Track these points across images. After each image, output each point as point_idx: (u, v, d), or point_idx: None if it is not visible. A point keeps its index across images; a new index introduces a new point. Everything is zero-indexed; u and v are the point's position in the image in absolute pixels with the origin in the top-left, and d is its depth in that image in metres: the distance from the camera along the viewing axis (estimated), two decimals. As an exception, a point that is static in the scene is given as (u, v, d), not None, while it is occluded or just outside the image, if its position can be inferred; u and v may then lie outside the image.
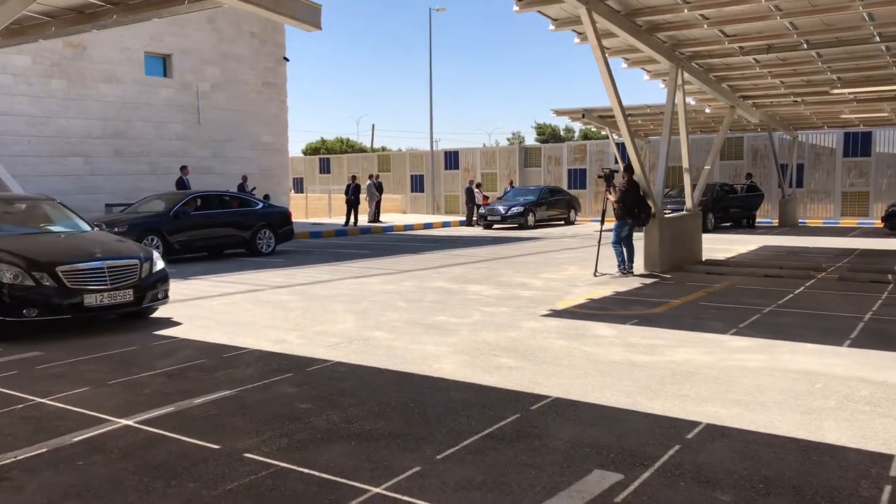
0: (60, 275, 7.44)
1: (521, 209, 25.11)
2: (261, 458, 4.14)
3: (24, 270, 7.34)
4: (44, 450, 4.32)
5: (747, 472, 3.90)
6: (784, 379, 5.72)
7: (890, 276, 11.39)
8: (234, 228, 16.04)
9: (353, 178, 26.99)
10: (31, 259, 7.50)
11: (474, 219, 27.05)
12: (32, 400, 5.30)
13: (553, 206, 27.06)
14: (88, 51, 21.31)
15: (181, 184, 19.41)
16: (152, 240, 14.02)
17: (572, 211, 27.97)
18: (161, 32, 22.80)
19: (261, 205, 17.26)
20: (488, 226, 25.63)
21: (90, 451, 4.29)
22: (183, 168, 20.08)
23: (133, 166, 22.20)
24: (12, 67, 19.30)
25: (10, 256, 7.49)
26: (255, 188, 22.76)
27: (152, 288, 8.12)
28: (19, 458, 4.20)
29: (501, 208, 25.39)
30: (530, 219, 25.20)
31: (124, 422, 4.81)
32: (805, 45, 12.96)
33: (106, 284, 7.68)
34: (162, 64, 23.74)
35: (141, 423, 4.78)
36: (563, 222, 27.37)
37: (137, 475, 3.93)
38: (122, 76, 22.29)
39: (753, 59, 14.01)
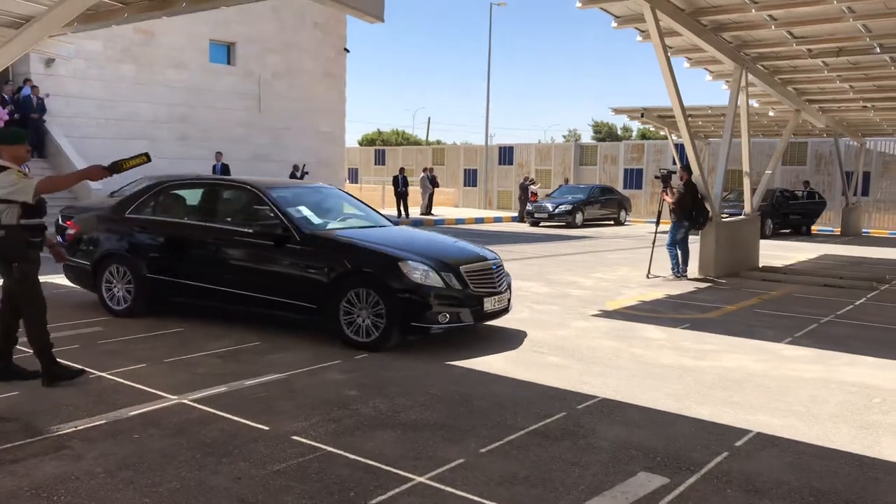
0: (465, 276, 6.62)
1: (569, 207, 24.72)
2: (308, 442, 4.22)
3: (434, 269, 6.46)
4: (102, 422, 4.49)
5: (798, 484, 3.82)
6: (840, 391, 5.57)
7: (958, 292, 10.95)
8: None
9: (402, 170, 27.11)
10: (437, 257, 6.66)
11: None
12: (93, 373, 5.50)
13: (603, 206, 26.62)
14: (157, 37, 21.88)
15: (214, 169, 19.78)
16: None
17: (623, 211, 27.49)
18: (227, 20, 23.25)
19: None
20: (535, 223, 25.16)
21: (146, 426, 4.44)
22: (217, 154, 20.47)
23: (195, 151, 22.72)
24: (85, 52, 19.93)
25: (408, 253, 6.61)
26: (306, 174, 22.92)
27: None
28: (79, 428, 4.37)
29: (549, 206, 25.05)
30: (578, 217, 24.81)
31: (178, 399, 4.95)
32: (878, 49, 12.50)
33: (494, 287, 6.85)
34: (226, 51, 24.24)
35: (194, 401, 4.92)
36: (612, 222, 26.92)
37: (190, 451, 4.05)
38: (188, 62, 22.84)
39: (822, 61, 13.58)
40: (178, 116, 22.55)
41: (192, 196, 8.00)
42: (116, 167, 5.35)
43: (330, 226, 7.39)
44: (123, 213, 7.89)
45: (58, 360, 5.33)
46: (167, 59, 22.31)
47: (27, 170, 5.52)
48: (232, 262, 7.17)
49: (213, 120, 23.33)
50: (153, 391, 5.11)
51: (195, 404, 4.86)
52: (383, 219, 8.15)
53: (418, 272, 6.37)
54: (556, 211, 24.72)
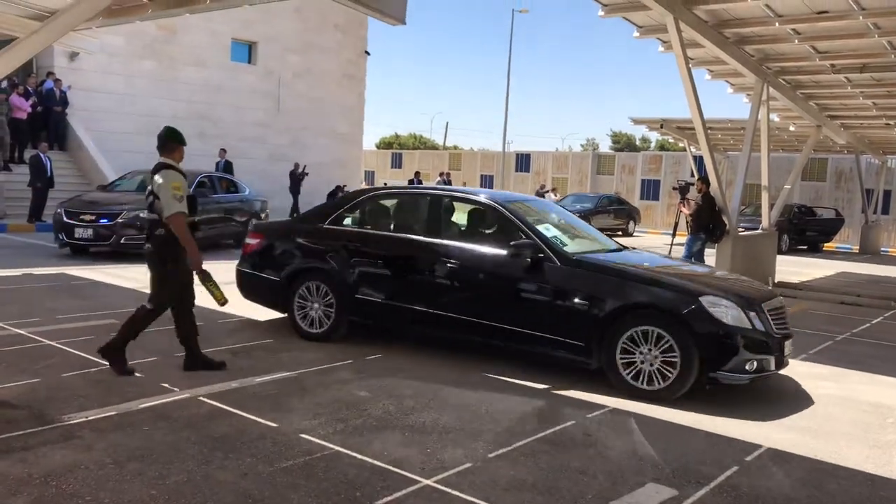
0: (768, 314, 5.64)
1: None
2: (316, 440, 4.22)
3: (738, 306, 5.46)
4: (113, 413, 4.51)
5: (807, 501, 3.77)
6: (854, 409, 5.50)
7: (977, 314, 10.80)
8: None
9: (417, 174, 27.12)
10: (736, 292, 5.76)
11: None
12: (105, 365, 5.52)
13: (611, 216, 26.13)
14: (179, 35, 22.06)
15: (217, 167, 19.78)
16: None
17: (632, 222, 27.11)
18: (249, 19, 23.41)
19: (247, 191, 15.53)
20: None
21: (155, 418, 4.45)
22: (221, 151, 20.45)
23: (213, 148, 22.80)
24: (108, 47, 20.11)
25: (705, 287, 5.67)
26: (306, 174, 22.71)
27: None
28: (90, 418, 4.39)
29: None
30: None
31: (189, 393, 4.97)
32: (902, 66, 12.39)
33: (788, 329, 5.91)
34: (247, 50, 24.39)
35: (204, 395, 4.94)
36: (620, 233, 26.36)
37: (198, 445, 4.06)
38: (209, 60, 22.99)
39: (845, 77, 13.47)
40: (196, 113, 22.69)
41: (407, 208, 7.28)
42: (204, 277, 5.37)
43: (578, 247, 6.36)
44: (321, 223, 6.98)
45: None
46: (188, 57, 22.48)
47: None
48: (468, 286, 6.19)
49: (232, 118, 23.47)
50: (164, 385, 5.13)
51: (205, 399, 4.87)
52: (609, 239, 7.25)
53: (722, 309, 5.37)
54: None
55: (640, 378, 5.40)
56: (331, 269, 6.67)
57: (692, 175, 24.44)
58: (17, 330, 6.50)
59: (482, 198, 6.68)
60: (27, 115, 17.95)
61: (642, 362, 5.40)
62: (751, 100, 13.49)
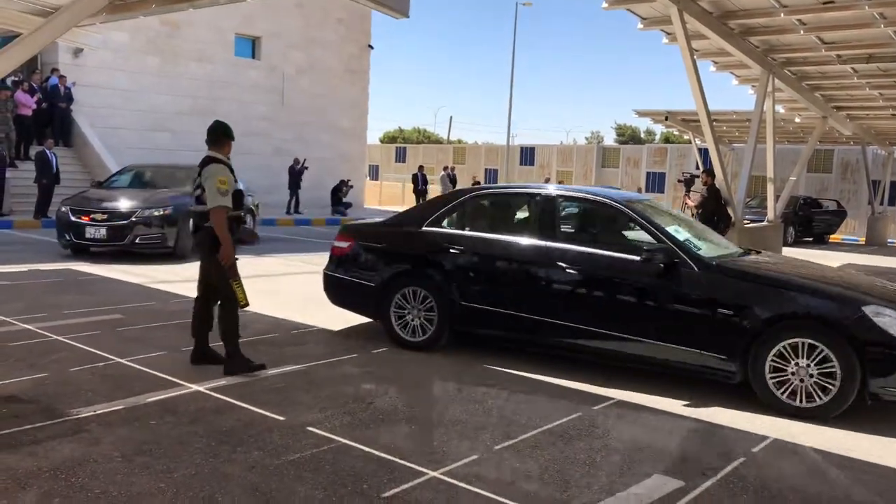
0: None
1: None
2: (323, 433, 4.23)
3: None
4: (120, 407, 4.53)
5: (814, 491, 3.77)
6: (861, 398, 5.48)
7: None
8: None
9: (421, 168, 27.08)
10: (890, 298, 5.32)
11: None
12: (112, 359, 5.55)
13: None
14: (182, 30, 22.05)
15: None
16: None
17: None
18: (253, 15, 23.39)
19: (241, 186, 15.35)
20: None
21: (162, 412, 4.47)
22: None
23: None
24: (112, 43, 20.11)
25: (865, 294, 5.26)
26: (305, 168, 22.52)
27: None
28: (98, 412, 4.41)
29: None
30: None
31: (196, 387, 4.99)
32: (909, 57, 12.34)
33: None
34: (251, 46, 24.38)
35: (211, 389, 4.96)
36: None
37: (205, 439, 4.08)
38: (213, 56, 22.99)
39: (851, 68, 13.42)
40: (201, 109, 22.66)
41: (516, 208, 6.86)
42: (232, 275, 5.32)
43: (711, 251, 5.87)
44: (420, 224, 6.55)
45: (241, 353, 5.42)
46: (192, 52, 22.47)
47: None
48: (591, 294, 5.78)
49: (236, 113, 23.42)
50: (171, 379, 5.15)
51: (212, 393, 4.89)
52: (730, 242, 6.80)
53: (887, 319, 4.94)
54: None
55: (796, 395, 4.97)
56: (432, 275, 6.26)
57: (697, 167, 24.39)
58: (24, 325, 6.53)
59: (603, 198, 6.21)
60: (32, 111, 17.98)
61: (796, 377, 4.96)
62: (756, 91, 13.46)
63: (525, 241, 6.11)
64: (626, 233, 6.26)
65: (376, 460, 3.88)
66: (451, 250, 6.27)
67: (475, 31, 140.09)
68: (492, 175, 36.43)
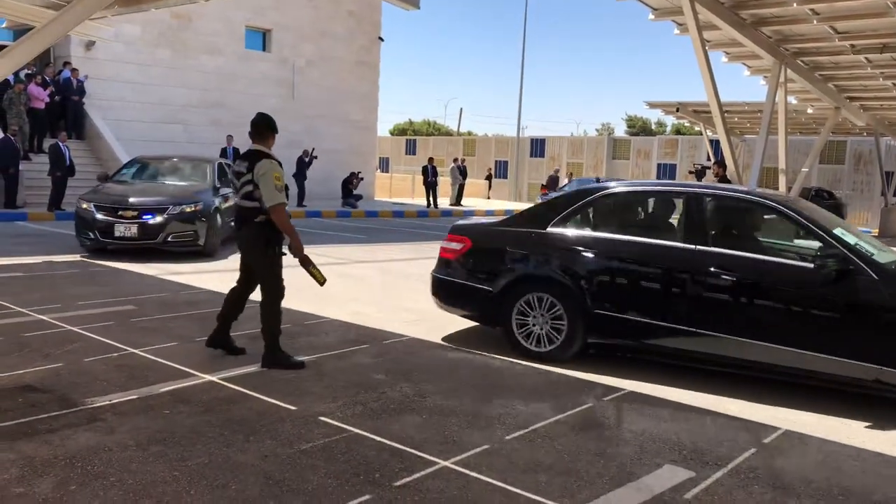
0: None
1: None
2: (335, 423, 4.26)
3: None
4: (134, 396, 4.58)
5: (826, 482, 3.77)
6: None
7: None
8: None
9: (431, 160, 27.06)
10: None
11: None
12: (126, 350, 5.60)
13: None
14: (193, 22, 22.11)
15: (224, 153, 19.81)
16: None
17: None
18: (263, 7, 23.43)
19: None
20: None
21: (176, 402, 4.51)
22: (228, 137, 20.45)
23: (226, 136, 22.97)
24: (123, 36, 20.19)
25: None
26: (314, 158, 22.34)
27: None
28: (113, 402, 4.46)
29: None
30: None
31: (209, 377, 5.03)
32: (924, 46, 12.23)
33: None
34: (262, 38, 24.42)
35: (224, 379, 5.00)
36: None
37: (218, 428, 4.11)
38: (223, 48, 23.04)
39: (865, 58, 13.31)
40: (211, 101, 22.77)
41: (656, 208, 6.46)
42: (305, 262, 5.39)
43: (885, 257, 5.32)
44: (544, 225, 6.07)
45: (281, 347, 5.45)
46: (203, 45, 22.53)
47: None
48: (750, 302, 5.27)
49: (247, 106, 23.44)
50: (184, 369, 5.19)
51: (225, 383, 4.93)
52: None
53: None
54: None
55: None
56: (561, 279, 5.82)
57: (708, 158, 24.29)
58: (39, 316, 6.59)
59: (758, 197, 5.75)
60: (45, 104, 18.09)
61: None
62: (768, 82, 13.37)
63: (671, 243, 5.64)
64: (778, 235, 5.88)
65: (388, 450, 3.91)
66: (583, 253, 5.82)
67: (486, 22, 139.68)
68: (501, 167, 36.39)
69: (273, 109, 26.80)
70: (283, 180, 5.31)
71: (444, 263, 6.49)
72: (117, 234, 10.39)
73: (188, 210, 10.71)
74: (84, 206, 10.68)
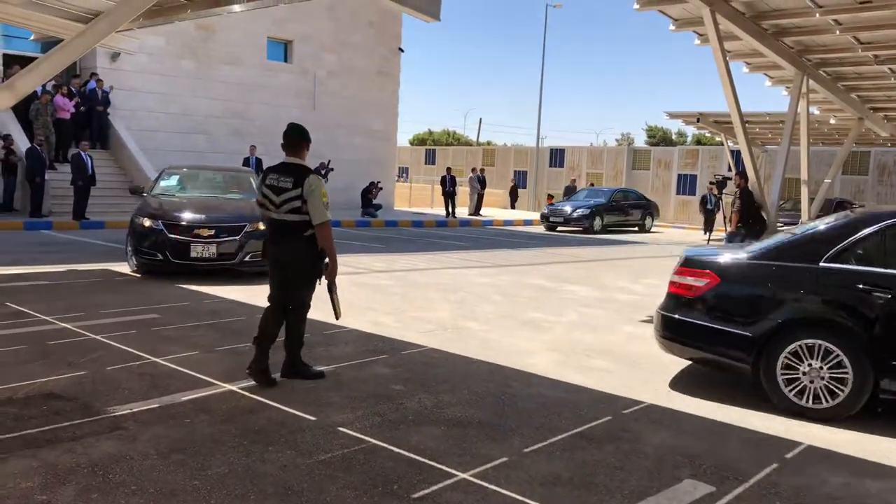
0: None
1: (586, 212, 23.31)
2: (354, 434, 4.27)
3: None
4: (156, 405, 4.62)
5: (850, 500, 3.72)
6: (897, 408, 5.39)
7: None
8: None
9: (449, 170, 27.11)
10: None
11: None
12: (148, 359, 5.66)
13: (625, 212, 25.15)
14: (217, 34, 22.37)
15: (247, 163, 19.96)
16: None
17: (649, 217, 25.90)
18: (284, 18, 23.65)
19: None
20: (551, 227, 23.55)
21: (197, 411, 4.55)
22: (251, 147, 20.61)
23: (249, 146, 23.18)
24: (148, 47, 20.47)
25: None
26: (331, 170, 22.10)
27: None
28: (134, 410, 4.50)
29: (567, 209, 23.67)
30: (597, 223, 23.37)
31: (229, 386, 5.07)
32: (948, 57, 12.08)
33: None
34: (283, 49, 24.65)
35: (244, 388, 5.03)
36: (636, 229, 25.39)
37: (238, 437, 4.14)
38: (246, 59, 23.28)
39: (889, 68, 13.16)
40: (233, 112, 22.99)
41: None
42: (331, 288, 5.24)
43: None
44: (816, 259, 5.23)
45: (302, 358, 5.45)
46: (226, 56, 22.78)
47: None
48: None
49: (268, 116, 23.72)
50: (205, 378, 5.23)
51: (244, 392, 4.96)
52: None
53: None
54: (573, 215, 23.34)
55: None
56: (844, 325, 5.05)
57: (729, 169, 24.12)
58: (63, 324, 6.68)
59: None
60: (70, 115, 18.37)
61: None
62: (790, 93, 13.26)
63: None
64: None
65: (406, 461, 3.91)
66: (876, 293, 4.98)
67: (505, 33, 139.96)
68: (521, 177, 36.35)
69: (294, 120, 26.73)
70: (328, 197, 5.22)
71: (678, 301, 5.71)
72: (194, 254, 9.41)
73: (262, 227, 9.20)
74: (147, 223, 9.57)
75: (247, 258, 9.64)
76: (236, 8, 10.18)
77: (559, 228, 23.59)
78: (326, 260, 5.22)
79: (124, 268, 10.33)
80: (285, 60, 24.62)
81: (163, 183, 11.29)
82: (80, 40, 7.48)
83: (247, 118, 23.26)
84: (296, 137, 5.33)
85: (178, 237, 9.42)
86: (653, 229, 26.10)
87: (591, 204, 24.07)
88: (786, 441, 4.54)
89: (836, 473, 4.08)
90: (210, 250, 9.47)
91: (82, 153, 16.13)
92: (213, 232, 9.54)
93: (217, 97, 22.64)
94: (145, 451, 3.88)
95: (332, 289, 5.22)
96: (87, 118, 19.20)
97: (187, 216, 9.71)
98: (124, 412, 4.46)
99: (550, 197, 26.68)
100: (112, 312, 7.31)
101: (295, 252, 5.17)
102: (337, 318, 5.34)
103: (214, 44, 22.45)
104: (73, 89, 18.89)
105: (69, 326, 6.60)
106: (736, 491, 3.75)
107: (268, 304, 5.35)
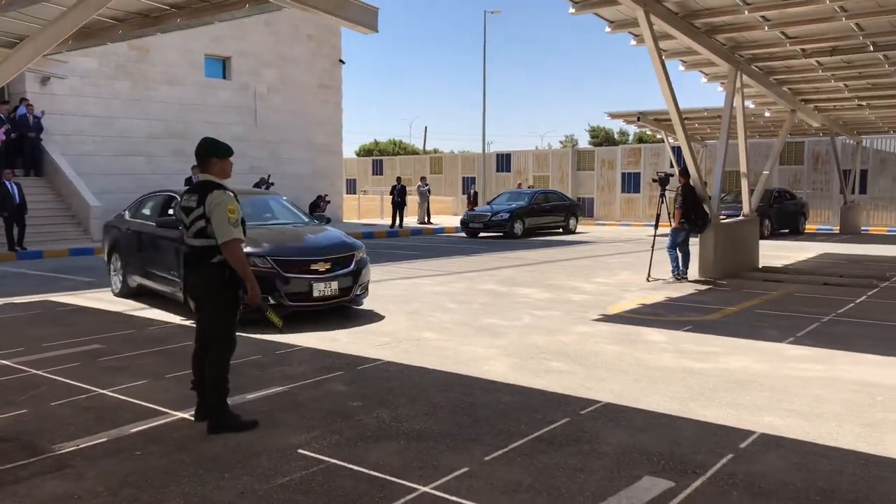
0: None
1: (506, 216, 22.45)
2: (312, 454, 4.20)
3: None
4: (104, 439, 4.46)
5: (803, 484, 3.80)
6: (843, 390, 5.54)
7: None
8: None
9: (399, 179, 27.04)
10: None
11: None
12: (94, 391, 5.47)
13: (547, 213, 24.53)
14: (151, 53, 21.93)
15: (189, 183, 19.64)
16: None
17: (573, 218, 25.39)
18: (221, 35, 23.32)
19: None
20: (472, 233, 22.83)
21: (147, 442, 4.41)
22: (193, 168, 20.31)
23: (191, 166, 22.75)
24: (80, 70, 19.97)
25: None
26: (271, 184, 21.84)
27: None
28: (81, 446, 4.34)
29: (487, 214, 22.94)
30: (517, 227, 22.49)
31: (180, 414, 4.93)
32: (871, 48, 12.54)
33: None
34: (221, 66, 24.30)
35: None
36: (560, 230, 24.85)
37: (192, 466, 4.02)
38: (183, 78, 22.88)
39: (816, 61, 13.62)
40: (173, 132, 22.57)
41: None
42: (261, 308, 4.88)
43: None
44: None
45: (228, 406, 4.77)
46: (162, 75, 22.36)
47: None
48: None
49: (209, 134, 23.15)
50: (155, 407, 5.08)
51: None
52: None
53: None
54: (492, 220, 22.48)
55: None
56: None
57: (671, 165, 24.59)
58: (1, 361, 6.42)
59: None
60: (1, 142, 17.77)
61: None
62: (725, 88, 13.60)
63: None
64: None
65: (367, 479, 3.86)
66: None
67: (446, 41, 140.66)
68: (469, 184, 36.48)
69: (236, 137, 26.74)
70: (239, 213, 4.61)
71: None
72: (316, 293, 8.08)
73: (363, 255, 8.77)
74: (262, 261, 7.85)
75: (359, 292, 8.60)
76: (170, 28, 9.98)
77: (481, 234, 22.84)
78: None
79: (65, 298, 10.02)
80: (224, 77, 24.28)
81: (144, 203, 10.09)
82: (4, 66, 7.23)
83: (187, 138, 22.78)
84: (200, 152, 4.76)
85: (298, 276, 7.99)
86: (577, 229, 25.44)
87: (512, 207, 23.22)
88: (739, 431, 4.61)
89: (787, 458, 4.16)
90: (332, 287, 8.18)
91: (7, 182, 15.55)
92: (329, 266, 8.25)
93: (156, 117, 22.20)
94: (94, 489, 3.74)
95: (261, 309, 4.88)
96: (18, 145, 18.60)
97: (294, 248, 8.38)
98: (70, 449, 4.29)
99: (472, 203, 26.39)
100: (54, 345, 7.07)
101: (204, 281, 4.67)
102: (279, 329, 5.08)
103: (150, 63, 22.01)
104: (2, 116, 18.29)
105: (8, 363, 6.35)
106: (694, 484, 3.79)
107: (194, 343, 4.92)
